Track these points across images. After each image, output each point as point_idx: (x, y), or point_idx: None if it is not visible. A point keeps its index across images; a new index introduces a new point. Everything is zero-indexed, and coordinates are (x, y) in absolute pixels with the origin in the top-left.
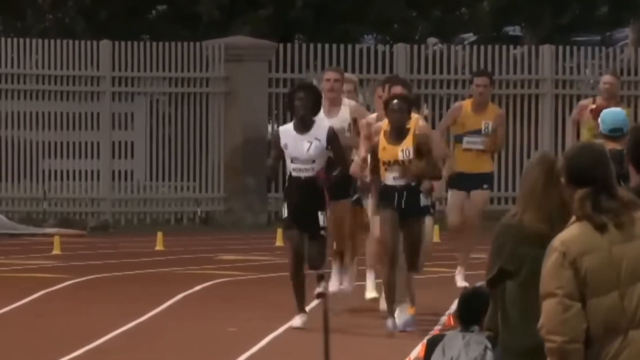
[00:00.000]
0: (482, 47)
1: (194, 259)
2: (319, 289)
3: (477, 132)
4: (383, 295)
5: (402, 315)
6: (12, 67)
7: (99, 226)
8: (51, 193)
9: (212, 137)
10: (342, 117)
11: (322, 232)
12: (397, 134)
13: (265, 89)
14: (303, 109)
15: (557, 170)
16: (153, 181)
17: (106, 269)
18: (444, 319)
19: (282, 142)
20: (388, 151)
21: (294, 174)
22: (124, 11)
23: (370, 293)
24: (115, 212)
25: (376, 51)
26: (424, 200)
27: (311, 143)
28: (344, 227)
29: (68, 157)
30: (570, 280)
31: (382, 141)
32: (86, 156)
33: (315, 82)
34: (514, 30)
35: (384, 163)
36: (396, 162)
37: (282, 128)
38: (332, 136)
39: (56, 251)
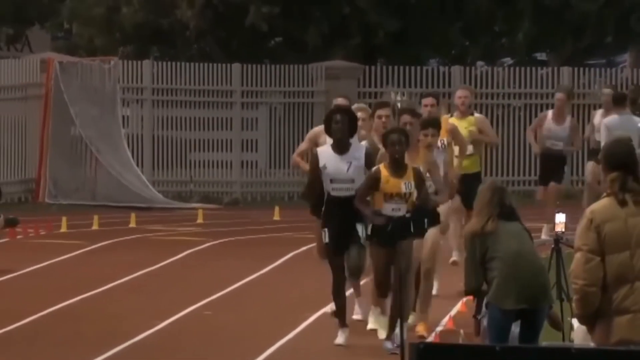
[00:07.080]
0: (517, 69)
1: (302, 226)
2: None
3: None
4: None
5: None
6: (167, 83)
7: (231, 202)
8: (196, 177)
9: None
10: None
11: (362, 242)
12: (397, 166)
13: (355, 100)
14: (340, 132)
15: (499, 188)
16: (272, 168)
17: (237, 234)
18: (445, 320)
19: (321, 163)
20: (391, 184)
21: (334, 193)
22: (250, 41)
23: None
24: (243, 192)
25: (438, 71)
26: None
27: (350, 163)
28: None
29: (208, 150)
30: (593, 240)
31: (384, 173)
32: (222, 150)
33: (392, 96)
34: (541, 55)
35: (385, 195)
36: (398, 194)
37: (319, 149)
38: (369, 156)
39: (199, 220)
